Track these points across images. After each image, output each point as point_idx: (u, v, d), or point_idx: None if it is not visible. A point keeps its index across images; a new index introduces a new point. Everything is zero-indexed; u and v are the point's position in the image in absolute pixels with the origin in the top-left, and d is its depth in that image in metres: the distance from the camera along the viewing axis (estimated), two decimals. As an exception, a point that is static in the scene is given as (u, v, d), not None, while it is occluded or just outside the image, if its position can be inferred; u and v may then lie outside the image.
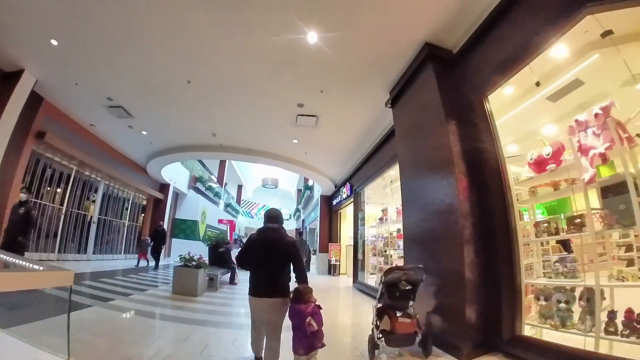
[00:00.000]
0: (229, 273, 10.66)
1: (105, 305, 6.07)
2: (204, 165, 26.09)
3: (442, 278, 4.71)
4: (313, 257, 19.25)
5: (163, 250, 15.08)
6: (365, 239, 11.84)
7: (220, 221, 19.58)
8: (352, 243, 16.66)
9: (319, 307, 3.22)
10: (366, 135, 9.99)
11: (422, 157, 5.75)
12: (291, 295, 3.28)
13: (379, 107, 7.81)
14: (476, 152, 4.78)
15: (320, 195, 18.18)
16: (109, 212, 15.40)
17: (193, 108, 9.34)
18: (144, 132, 11.60)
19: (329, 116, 9.04)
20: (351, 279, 13.80)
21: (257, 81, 7.50)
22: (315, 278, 14.31)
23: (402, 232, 8.51)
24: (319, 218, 18.34)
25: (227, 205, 31.12)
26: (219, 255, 10.99)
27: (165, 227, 17.66)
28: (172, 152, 13.05)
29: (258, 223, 42.75)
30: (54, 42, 6.51)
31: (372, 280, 10.70)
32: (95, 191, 14.35)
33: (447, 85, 5.36)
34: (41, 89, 8.63)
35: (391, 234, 10.08)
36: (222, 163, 28.99)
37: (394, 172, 9.52)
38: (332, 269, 15.96)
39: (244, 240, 24.25)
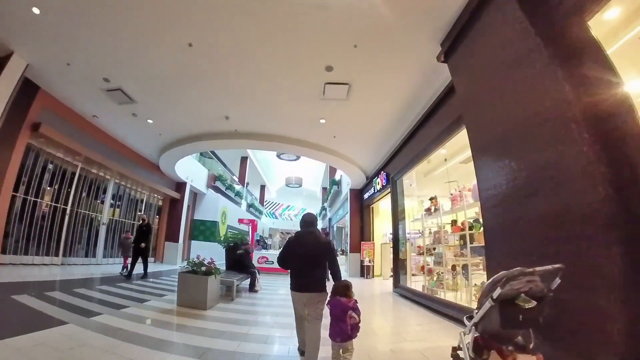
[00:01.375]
0: (249, 279, 9.12)
1: (86, 322, 4.65)
2: (224, 165, 24.85)
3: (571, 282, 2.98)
4: (342, 258, 17.56)
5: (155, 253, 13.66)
6: (407, 235, 10.15)
7: (240, 221, 18.16)
8: (386, 241, 15.13)
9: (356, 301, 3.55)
10: (407, 108, 8.32)
11: (513, 116, 3.98)
12: (334, 289, 3.61)
13: (425, 66, 6.45)
14: (598, 97, 3.04)
15: (350, 190, 16.55)
16: (121, 213, 14.23)
17: (200, 84, 7.92)
18: (150, 121, 10.27)
19: (363, 84, 7.41)
20: (387, 281, 12.61)
21: (277, 36, 5.97)
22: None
23: (460, 224, 7.16)
24: (348, 214, 16.72)
25: (250, 206, 29.82)
26: (237, 258, 9.53)
27: (182, 228, 16.47)
28: (182, 142, 11.66)
29: (282, 224, 41.77)
30: (36, 11, 5.68)
31: (418, 284, 9.06)
32: (105, 191, 13.12)
33: (532, 10, 3.70)
34: (35, 76, 8.02)
35: (442, 227, 8.36)
36: (243, 163, 27.68)
37: (444, 150, 8.15)
38: (365, 271, 14.27)
39: (267, 241, 23.28)
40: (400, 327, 6.08)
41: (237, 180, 26.43)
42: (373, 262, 14.34)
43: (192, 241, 18.87)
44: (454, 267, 7.33)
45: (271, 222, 40.86)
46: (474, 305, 5.48)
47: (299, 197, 45.82)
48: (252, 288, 9.01)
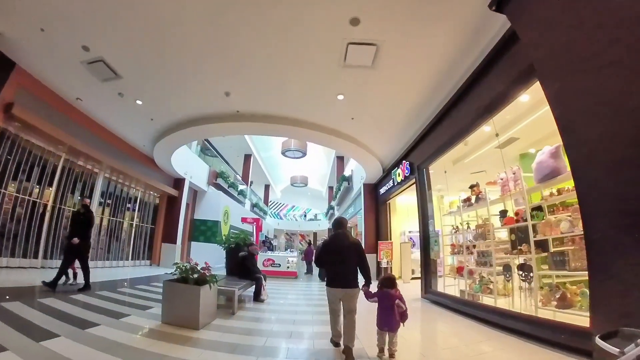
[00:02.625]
0: (254, 286, 7.71)
1: (29, 349, 3.28)
2: (226, 162, 23.45)
3: None
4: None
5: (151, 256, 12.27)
6: (439, 231, 8.78)
7: (243, 220, 16.77)
8: (405, 240, 13.71)
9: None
10: (442, 80, 6.98)
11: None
12: (381, 282, 4.32)
13: (470, 20, 5.26)
14: None
15: (364, 185, 15.15)
16: (112, 211, 12.88)
17: (195, 51, 6.59)
18: (139, 102, 8.89)
19: (393, 46, 6.01)
20: (409, 285, 11.86)
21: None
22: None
23: (512, 214, 6.01)
24: (362, 212, 15.32)
25: (254, 206, 28.42)
26: (239, 262, 8.12)
27: (180, 228, 15.10)
28: (177, 128, 10.24)
29: (287, 225, 40.63)
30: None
31: (452, 288, 7.93)
32: (92, 186, 11.74)
33: None
34: (9, 50, 6.94)
35: (485, 220, 7.05)
36: (247, 161, 26.23)
37: (489, 127, 6.90)
38: (383, 273, 12.80)
39: (273, 242, 21.98)
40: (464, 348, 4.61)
41: (240, 178, 25.01)
42: (391, 263, 12.89)
43: (192, 242, 17.46)
44: (506, 267, 6.12)
45: (276, 223, 39.57)
46: (542, 313, 4.76)
47: (304, 197, 44.81)
48: (257, 297, 7.59)
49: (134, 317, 5.18)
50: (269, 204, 38.16)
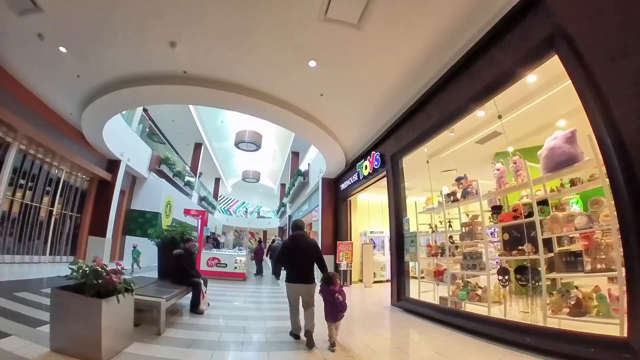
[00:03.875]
0: (191, 293, 6.16)
1: None
2: (174, 149, 21.39)
3: None
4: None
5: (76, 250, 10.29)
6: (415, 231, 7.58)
7: (186, 212, 14.59)
8: (366, 241, 12.65)
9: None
10: (434, 55, 5.99)
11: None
12: (324, 280, 4.60)
13: None
14: None
15: (322, 179, 13.87)
16: (27, 194, 10.60)
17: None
18: (63, 49, 6.90)
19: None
20: (372, 290, 10.97)
21: None
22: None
23: (510, 210, 5.41)
24: (319, 209, 14.00)
25: (202, 199, 26.35)
26: (173, 262, 6.47)
27: (112, 219, 13.08)
28: (109, 90, 8.18)
29: (237, 221, 38.94)
30: None
31: (427, 295, 7.03)
32: (1, 160, 9.41)
33: None
34: None
35: (473, 218, 6.37)
36: (197, 150, 24.24)
37: (482, 112, 6.23)
38: (342, 277, 11.65)
39: (220, 239, 20.24)
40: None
41: (188, 169, 22.98)
42: (351, 265, 11.76)
43: (127, 236, 15.17)
44: (502, 271, 5.31)
45: (225, 219, 37.39)
46: (551, 322, 4.16)
47: (256, 194, 43.62)
48: (195, 308, 6.05)
49: (15, 340, 3.55)
50: (219, 199, 36.10)
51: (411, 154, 7.95)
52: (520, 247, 4.99)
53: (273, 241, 18.94)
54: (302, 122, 8.92)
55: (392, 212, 8.14)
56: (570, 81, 3.80)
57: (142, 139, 15.34)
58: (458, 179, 6.66)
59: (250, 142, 23.17)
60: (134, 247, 12.09)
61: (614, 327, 3.44)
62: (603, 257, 3.99)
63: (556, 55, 3.98)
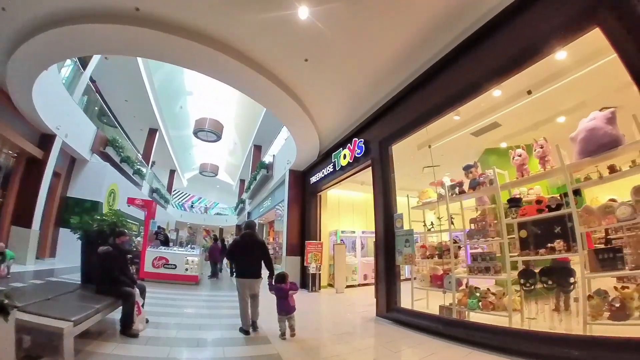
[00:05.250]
0: (122, 307, 4.54)
1: None
2: (124, 131, 19.20)
3: None
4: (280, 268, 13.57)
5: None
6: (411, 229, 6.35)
7: (130, 201, 12.56)
8: (337, 241, 11.41)
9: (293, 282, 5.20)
10: (449, 20, 5.12)
11: None
12: (276, 279, 5.16)
13: None
14: None
15: (290, 171, 12.50)
16: None
17: None
18: None
19: None
20: (345, 296, 9.72)
21: None
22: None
23: (534, 201, 4.78)
24: (284, 205, 12.60)
25: (154, 191, 24.16)
26: (100, 263, 4.73)
27: (41, 206, 11.01)
28: (42, 29, 6.30)
29: (192, 217, 36.95)
30: None
31: (420, 303, 6.07)
32: None
33: None
34: None
35: (483, 212, 5.57)
36: (152, 136, 22.15)
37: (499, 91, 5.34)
38: (310, 281, 10.34)
39: (171, 235, 18.23)
40: None
41: (140, 156, 20.85)
42: (321, 268, 10.47)
43: (61, 229, 12.59)
44: (526, 274, 4.56)
45: (179, 215, 35.07)
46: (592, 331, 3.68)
47: (213, 190, 42.06)
48: (126, 328, 4.39)
49: None
50: (173, 193, 33.78)
51: (402, 141, 6.83)
52: (549, 245, 4.25)
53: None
54: (278, 94, 7.45)
55: (380, 207, 6.95)
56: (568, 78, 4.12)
57: (79, 104, 12.98)
58: (467, 168, 5.65)
59: (211, 132, 21.48)
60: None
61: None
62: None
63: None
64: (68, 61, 11.69)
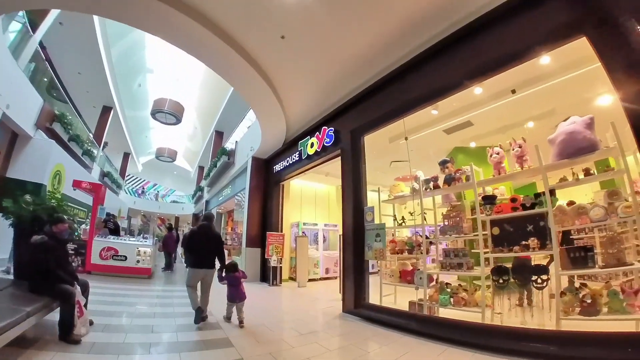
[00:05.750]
0: (59, 306, 3.94)
1: None
2: (75, 108, 17.80)
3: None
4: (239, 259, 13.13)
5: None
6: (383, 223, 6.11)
7: (75, 184, 11.60)
8: (299, 233, 11.09)
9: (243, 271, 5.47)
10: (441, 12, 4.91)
11: None
12: (228, 268, 5.44)
13: None
14: None
15: (252, 158, 11.99)
16: None
17: None
18: None
19: None
20: (307, 290, 9.44)
21: None
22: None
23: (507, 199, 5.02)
24: (245, 193, 12.07)
25: (105, 175, 22.72)
26: (32, 257, 4.05)
27: None
28: None
29: (145, 204, 35.15)
30: None
31: (387, 299, 5.92)
32: None
33: None
34: None
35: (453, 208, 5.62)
36: (105, 114, 20.62)
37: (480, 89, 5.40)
38: (272, 275, 9.95)
39: (121, 224, 17.12)
40: None
41: (91, 136, 19.47)
42: (282, 260, 10.11)
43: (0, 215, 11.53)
44: (499, 271, 4.60)
45: (132, 201, 33.29)
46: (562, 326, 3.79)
47: (169, 176, 40.64)
48: (65, 334, 3.76)
49: None
50: (126, 178, 32.06)
51: (374, 133, 6.61)
52: (523, 242, 4.35)
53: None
54: (248, 72, 6.86)
55: (349, 199, 6.67)
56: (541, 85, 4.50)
57: (26, 72, 11.68)
58: (443, 163, 5.51)
59: (170, 113, 20.38)
60: None
61: (630, 324, 3.47)
62: (615, 251, 3.79)
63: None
64: (14, 23, 10.56)
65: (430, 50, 5.29)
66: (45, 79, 13.84)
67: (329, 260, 11.60)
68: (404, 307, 5.44)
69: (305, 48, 6.30)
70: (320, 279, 11.14)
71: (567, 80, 4.87)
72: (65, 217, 4.76)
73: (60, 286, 3.93)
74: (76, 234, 7.91)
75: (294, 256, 10.79)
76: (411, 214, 5.94)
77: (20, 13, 10.81)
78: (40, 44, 12.59)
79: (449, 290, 5.08)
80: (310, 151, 8.48)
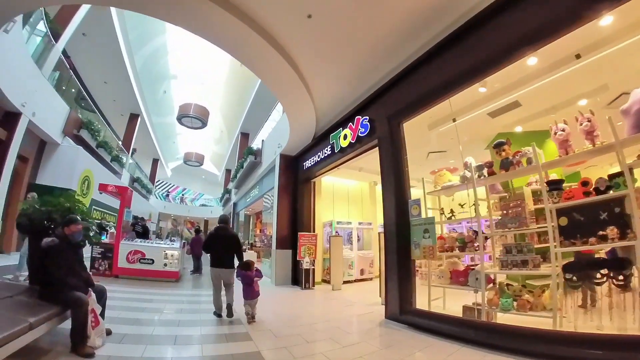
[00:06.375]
0: (71, 315, 3.51)
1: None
2: (103, 116, 17.90)
3: None
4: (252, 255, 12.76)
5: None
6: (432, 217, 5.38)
7: (101, 188, 11.40)
8: (333, 233, 10.49)
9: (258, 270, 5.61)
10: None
11: None
12: (241, 266, 5.56)
13: None
14: None
15: (280, 156, 11.44)
16: None
17: None
18: None
19: None
20: (342, 293, 8.69)
21: None
22: (269, 296, 8.06)
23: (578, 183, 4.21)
24: (274, 192, 11.56)
25: (135, 180, 22.87)
26: (42, 259, 3.64)
27: (3, 195, 9.79)
28: None
29: (175, 208, 35.37)
30: None
31: (437, 303, 5.29)
32: None
33: None
34: None
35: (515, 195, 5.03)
36: (133, 122, 20.89)
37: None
38: (303, 277, 9.38)
39: (150, 227, 16.91)
40: None
41: (120, 143, 19.58)
42: (314, 262, 9.54)
43: None
44: (575, 266, 3.87)
45: (162, 206, 33.74)
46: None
47: (198, 180, 41.17)
48: (78, 345, 3.34)
49: None
50: (156, 183, 32.44)
51: (414, 119, 5.96)
52: (601, 233, 3.55)
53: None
54: (275, 60, 6.28)
55: (390, 192, 5.99)
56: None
57: (51, 81, 11.68)
58: (498, 145, 4.76)
59: (196, 117, 20.38)
60: None
61: None
62: None
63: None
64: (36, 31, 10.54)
65: (476, 18, 4.60)
66: (73, 90, 13.90)
67: (364, 260, 10.95)
68: (455, 312, 4.79)
69: (333, 27, 5.70)
70: (355, 280, 10.49)
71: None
72: (80, 217, 4.34)
73: (72, 293, 3.49)
74: (95, 236, 7.55)
75: (326, 257, 10.22)
76: (462, 205, 5.28)
77: (42, 23, 10.77)
78: (65, 53, 12.57)
79: (510, 292, 4.39)
80: (344, 143, 7.88)
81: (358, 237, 11.40)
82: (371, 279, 10.88)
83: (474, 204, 4.80)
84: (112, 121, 20.35)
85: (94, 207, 14.55)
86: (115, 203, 14.06)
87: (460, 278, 4.98)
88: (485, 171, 4.84)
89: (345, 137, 7.80)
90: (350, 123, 7.57)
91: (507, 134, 7.34)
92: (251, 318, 5.30)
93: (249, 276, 5.38)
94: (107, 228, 10.62)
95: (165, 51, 20.35)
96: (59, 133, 12.42)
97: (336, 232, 10.65)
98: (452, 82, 5.00)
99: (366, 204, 12.71)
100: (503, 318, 4.30)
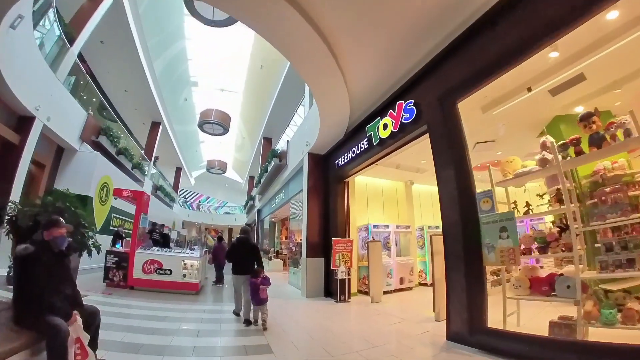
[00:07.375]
0: (46, 350, 2.56)
1: None
2: (124, 124, 17.49)
3: None
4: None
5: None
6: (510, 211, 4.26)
7: (116, 192, 10.60)
8: (372, 238, 9.41)
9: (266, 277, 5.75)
10: None
11: None
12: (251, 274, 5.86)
13: None
14: None
15: (309, 155, 10.50)
16: None
17: None
18: None
19: None
20: (383, 305, 7.77)
21: None
22: (300, 310, 7.28)
23: None
24: (304, 195, 10.58)
25: (158, 189, 22.39)
26: (16, 272, 2.83)
27: (16, 198, 9.15)
28: None
29: (200, 216, 35.08)
30: None
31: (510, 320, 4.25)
32: None
33: None
34: None
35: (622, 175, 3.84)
36: (154, 130, 20.51)
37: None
38: (338, 289, 8.30)
39: (171, 234, 15.96)
40: None
41: (142, 151, 19.07)
42: (350, 271, 8.50)
43: None
44: None
45: (186, 214, 33.48)
46: None
47: (221, 188, 40.96)
48: None
49: None
50: (180, 192, 32.17)
51: (469, 97, 4.94)
52: None
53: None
54: (305, 34, 5.34)
55: (449, 185, 4.94)
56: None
57: (67, 85, 11.27)
58: (586, 116, 3.72)
59: (217, 124, 19.89)
60: None
61: None
62: None
63: None
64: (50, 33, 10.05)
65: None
66: (95, 99, 13.48)
67: (403, 268, 9.82)
68: (533, 330, 3.78)
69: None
70: (394, 290, 9.37)
71: None
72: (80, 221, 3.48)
73: (47, 318, 2.59)
74: (94, 243, 6.61)
75: (362, 265, 9.19)
76: (541, 196, 4.20)
77: (56, 27, 10.30)
78: (80, 57, 12.07)
79: (611, 300, 3.35)
80: (384, 134, 6.88)
81: (395, 241, 10.28)
82: (411, 288, 9.85)
83: (564, 191, 3.72)
84: (134, 130, 20.11)
85: (113, 214, 13.96)
86: (128, 207, 13.48)
87: (543, 287, 3.88)
88: (571, 150, 3.76)
89: (385, 126, 6.80)
90: (391, 110, 6.58)
91: (566, 116, 6.21)
92: (263, 323, 5.47)
93: (254, 283, 5.64)
94: (124, 235, 9.90)
95: (185, 57, 19.90)
96: (76, 139, 11.86)
97: (372, 237, 9.57)
98: (520, 47, 3.98)
99: (402, 205, 11.61)
100: (595, 334, 3.33)
